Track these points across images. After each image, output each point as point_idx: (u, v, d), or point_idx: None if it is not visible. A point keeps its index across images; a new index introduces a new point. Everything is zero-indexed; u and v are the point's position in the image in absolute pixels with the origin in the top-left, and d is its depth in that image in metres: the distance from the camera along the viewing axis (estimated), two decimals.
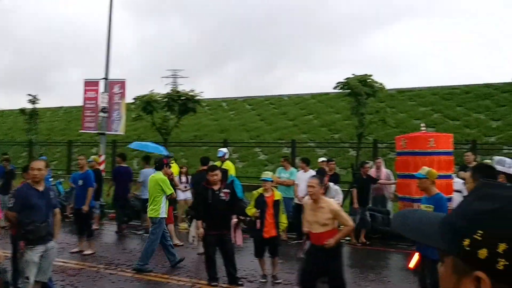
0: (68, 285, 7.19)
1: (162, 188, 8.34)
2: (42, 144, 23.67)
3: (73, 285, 7.25)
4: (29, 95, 20.10)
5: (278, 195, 7.58)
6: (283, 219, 7.71)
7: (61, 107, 37.76)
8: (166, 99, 17.38)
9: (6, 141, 27.64)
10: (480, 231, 0.85)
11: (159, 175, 8.49)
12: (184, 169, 12.70)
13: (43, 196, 5.71)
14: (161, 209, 8.29)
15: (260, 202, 7.34)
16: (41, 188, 5.75)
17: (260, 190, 7.50)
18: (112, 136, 17.58)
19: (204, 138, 23.79)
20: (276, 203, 7.43)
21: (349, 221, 5.89)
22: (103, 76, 15.68)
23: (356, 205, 10.45)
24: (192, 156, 21.46)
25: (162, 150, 14.21)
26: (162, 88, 70.28)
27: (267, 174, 7.69)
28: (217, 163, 12.36)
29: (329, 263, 5.73)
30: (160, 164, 8.65)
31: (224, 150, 12.28)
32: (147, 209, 8.50)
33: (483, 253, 0.84)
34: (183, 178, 12.38)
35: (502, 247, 0.82)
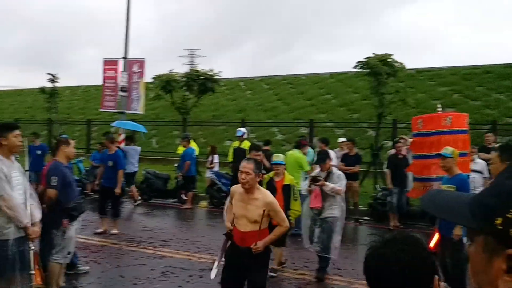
0: (92, 261, 7.34)
1: (301, 165, 9.36)
2: (62, 123, 23.94)
3: (97, 261, 7.40)
4: (49, 74, 20.25)
5: (288, 179, 7.01)
6: (295, 206, 6.91)
7: (79, 86, 38.05)
8: (185, 79, 17.39)
9: (26, 120, 28.01)
10: None
11: (298, 153, 9.47)
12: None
13: (71, 173, 5.91)
14: (301, 184, 8.93)
15: (270, 187, 6.68)
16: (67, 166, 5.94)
17: (271, 174, 7.06)
18: (131, 115, 17.71)
19: (222, 118, 23.84)
20: (286, 187, 6.86)
21: (285, 221, 4.70)
22: (120, 55, 15.74)
23: (390, 186, 10.29)
24: (210, 136, 21.54)
25: (140, 128, 14.53)
26: (179, 67, 70.41)
27: (279, 157, 7.20)
28: (236, 143, 12.48)
29: (251, 273, 4.55)
30: (299, 144, 10.05)
31: (243, 129, 12.35)
32: None
33: None
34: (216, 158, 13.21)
35: None
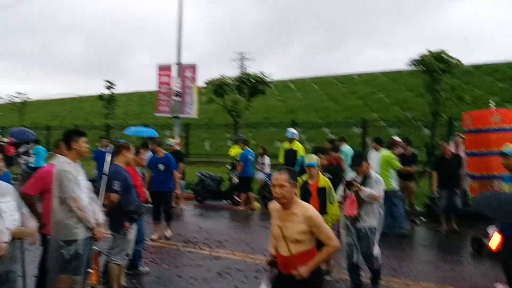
0: (151, 262, 7.57)
1: (390, 164, 9.77)
2: (119, 128, 24.75)
3: (155, 262, 7.63)
4: (106, 81, 20.95)
5: (323, 181, 6.40)
6: (333, 210, 6.29)
7: (135, 92, 39.21)
8: (236, 82, 17.62)
9: (85, 126, 29.15)
10: None
11: (388, 152, 9.95)
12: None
13: (130, 177, 6.11)
14: (391, 183, 9.53)
15: (304, 191, 6.33)
16: None
17: (304, 177, 6.49)
18: (185, 119, 18.08)
19: (273, 120, 23.92)
20: (321, 190, 6.33)
21: (333, 238, 3.76)
22: (173, 60, 16.15)
23: (435, 189, 9.98)
24: (260, 137, 21.67)
25: (155, 133, 14.64)
26: (230, 71, 71.30)
27: (312, 158, 6.53)
28: (285, 144, 12.51)
29: None
30: (389, 144, 10.76)
31: (293, 130, 12.36)
32: None
33: None
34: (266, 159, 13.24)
35: None
